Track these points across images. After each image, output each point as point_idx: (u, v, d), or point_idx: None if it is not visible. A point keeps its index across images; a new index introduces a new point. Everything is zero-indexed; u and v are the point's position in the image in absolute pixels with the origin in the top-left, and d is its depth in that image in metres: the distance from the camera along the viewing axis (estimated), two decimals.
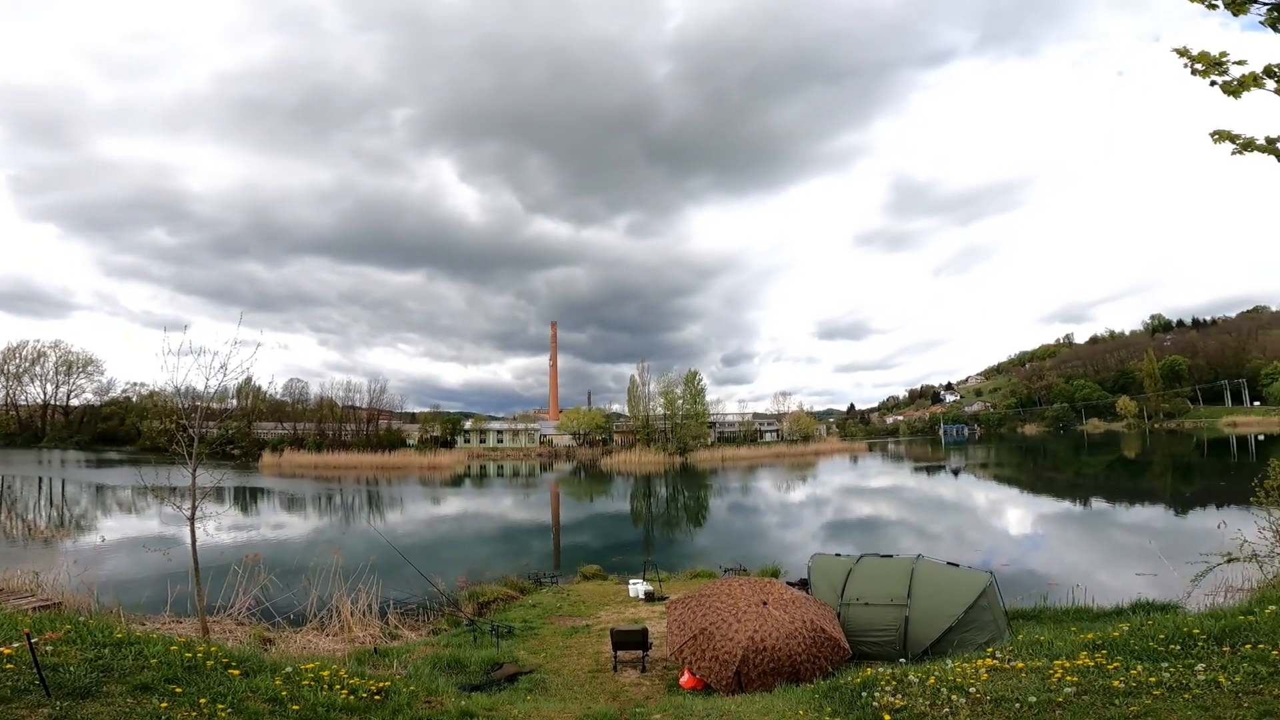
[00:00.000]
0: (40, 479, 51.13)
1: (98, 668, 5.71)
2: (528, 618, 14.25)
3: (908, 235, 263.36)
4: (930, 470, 62.23)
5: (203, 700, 5.35)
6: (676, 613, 9.72)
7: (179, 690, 5.41)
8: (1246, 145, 4.14)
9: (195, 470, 12.25)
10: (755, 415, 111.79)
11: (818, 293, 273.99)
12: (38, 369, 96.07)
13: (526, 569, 19.95)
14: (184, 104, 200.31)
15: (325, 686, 6.11)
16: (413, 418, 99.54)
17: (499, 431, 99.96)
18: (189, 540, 12.13)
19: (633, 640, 10.18)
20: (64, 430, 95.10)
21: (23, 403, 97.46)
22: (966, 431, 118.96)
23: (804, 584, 11.59)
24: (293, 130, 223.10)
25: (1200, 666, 5.04)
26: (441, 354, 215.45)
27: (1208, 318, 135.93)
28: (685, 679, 8.99)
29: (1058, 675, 5.34)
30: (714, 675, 8.47)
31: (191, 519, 12.33)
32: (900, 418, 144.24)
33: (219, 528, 28.50)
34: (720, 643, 8.61)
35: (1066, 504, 34.15)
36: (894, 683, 5.80)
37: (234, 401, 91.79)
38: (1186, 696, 4.55)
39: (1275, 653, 5.05)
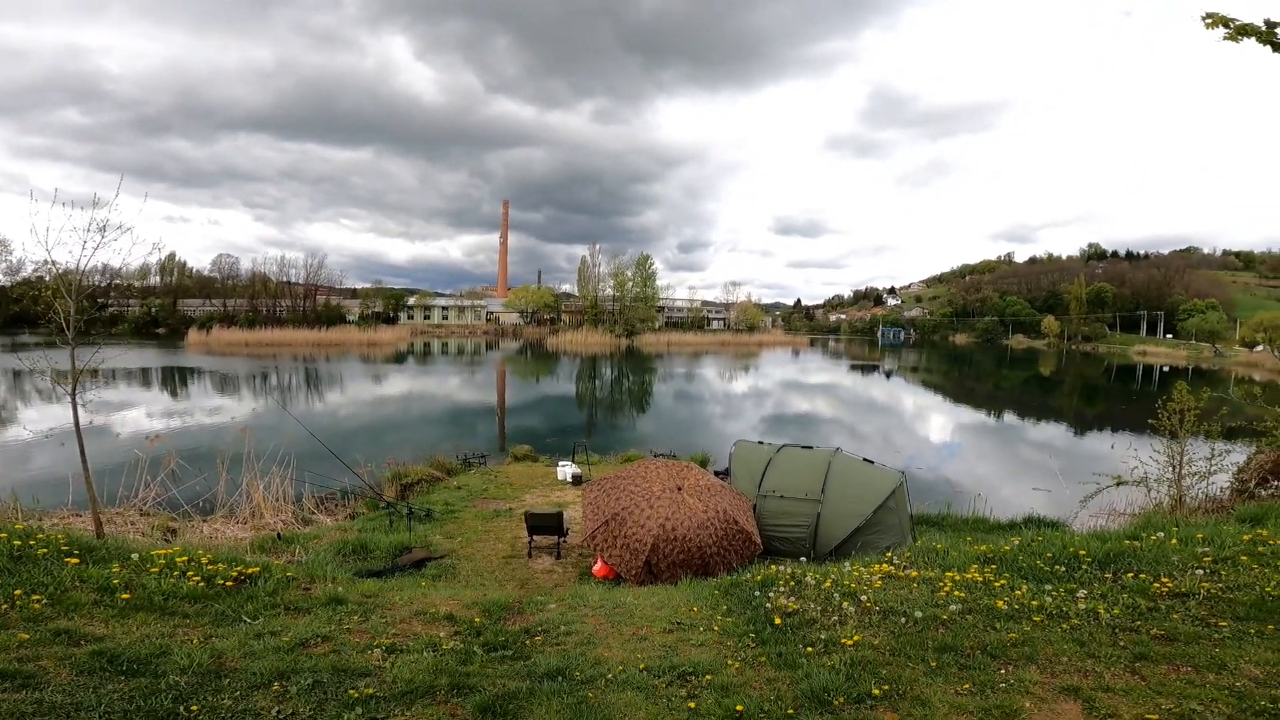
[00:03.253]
0: None
1: None
2: (450, 500, 13.93)
3: (877, 144, 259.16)
4: (865, 370, 63.95)
5: (18, 592, 4.70)
6: (591, 496, 9.36)
7: None
8: (1241, 30, 3.86)
9: (74, 341, 11.11)
10: (705, 303, 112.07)
11: (779, 190, 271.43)
12: None
13: (459, 450, 19.55)
14: None
15: (177, 573, 5.49)
16: (354, 293, 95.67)
17: (444, 308, 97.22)
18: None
19: (548, 525, 9.88)
20: None
21: None
22: (902, 335, 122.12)
23: (727, 474, 11.45)
24: (228, 8, 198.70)
25: (1082, 593, 4.93)
26: (388, 230, 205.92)
27: (1141, 251, 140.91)
28: (598, 567, 8.74)
29: (947, 589, 5.18)
30: (624, 564, 8.21)
31: (73, 396, 11.25)
32: (843, 316, 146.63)
33: (144, 413, 27.15)
34: (632, 529, 8.29)
35: (982, 415, 35.28)
36: (791, 584, 5.54)
37: (156, 279, 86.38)
38: (1065, 627, 4.40)
39: (1156, 584, 4.98)
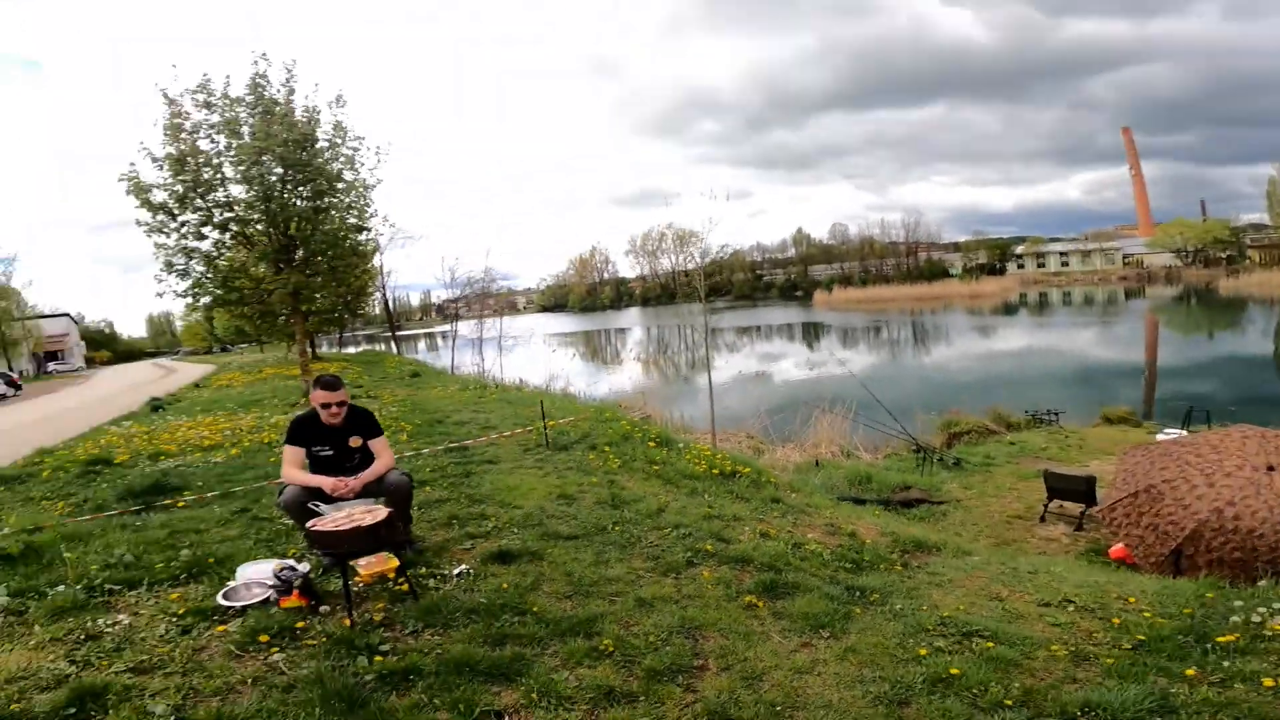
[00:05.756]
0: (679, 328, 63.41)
1: None
2: (994, 454, 12.91)
3: None
4: None
5: None
6: (1129, 462, 7.33)
7: None
8: None
9: (705, 304, 16.65)
10: None
11: None
12: (663, 245, 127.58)
13: (1037, 406, 17.29)
14: None
15: None
16: (955, 247, 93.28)
17: (1062, 253, 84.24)
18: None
19: (1072, 488, 8.27)
20: (688, 288, 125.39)
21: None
22: None
23: None
24: (758, 11, 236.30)
25: None
26: (984, 179, 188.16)
27: None
28: (1117, 547, 6.89)
29: None
30: (1144, 548, 6.21)
31: (706, 344, 16.65)
32: None
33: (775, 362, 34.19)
34: (1168, 507, 6.19)
35: None
36: None
37: (793, 250, 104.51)
38: None
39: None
